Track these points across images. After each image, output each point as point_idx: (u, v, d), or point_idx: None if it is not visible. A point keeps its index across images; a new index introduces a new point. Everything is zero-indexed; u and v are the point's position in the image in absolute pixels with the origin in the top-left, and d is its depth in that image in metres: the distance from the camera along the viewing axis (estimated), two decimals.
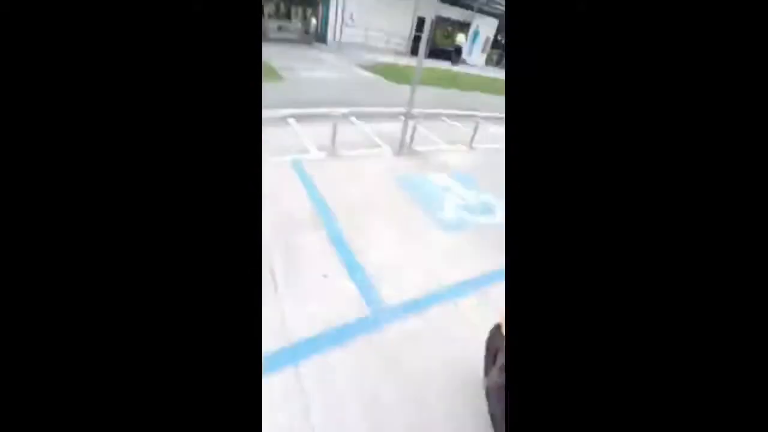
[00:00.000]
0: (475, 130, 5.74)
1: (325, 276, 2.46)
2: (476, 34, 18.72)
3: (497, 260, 2.88)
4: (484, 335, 1.78)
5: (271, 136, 4.69)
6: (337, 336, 2.01)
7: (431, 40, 16.00)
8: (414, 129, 4.98)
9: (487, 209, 3.89)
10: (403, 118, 4.98)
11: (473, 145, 5.83)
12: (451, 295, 2.48)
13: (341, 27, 15.76)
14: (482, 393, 1.75)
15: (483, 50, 20.18)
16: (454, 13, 17.81)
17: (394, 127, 5.70)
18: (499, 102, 9.82)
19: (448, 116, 7.48)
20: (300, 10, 21.83)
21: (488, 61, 20.85)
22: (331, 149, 4.57)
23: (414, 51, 16.75)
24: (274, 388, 1.68)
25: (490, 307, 2.39)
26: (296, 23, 21.58)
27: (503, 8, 18.23)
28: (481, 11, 18.64)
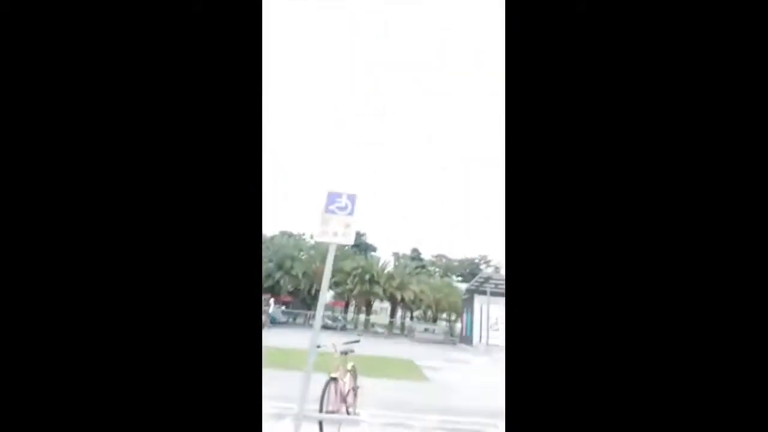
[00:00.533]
0: None
1: None
2: None
3: None
4: None
5: None
6: None
7: None
8: None
9: None
10: None
11: None
12: None
13: (487, 330, 16.52)
14: None
15: None
16: None
17: None
18: None
19: None
20: (446, 314, 24.34)
21: None
22: None
23: None
24: None
25: None
26: (441, 324, 23.37)
27: None
28: None
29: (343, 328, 22.09)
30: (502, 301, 15.46)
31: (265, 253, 20.03)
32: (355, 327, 24.39)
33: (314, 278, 21.09)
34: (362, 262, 23.09)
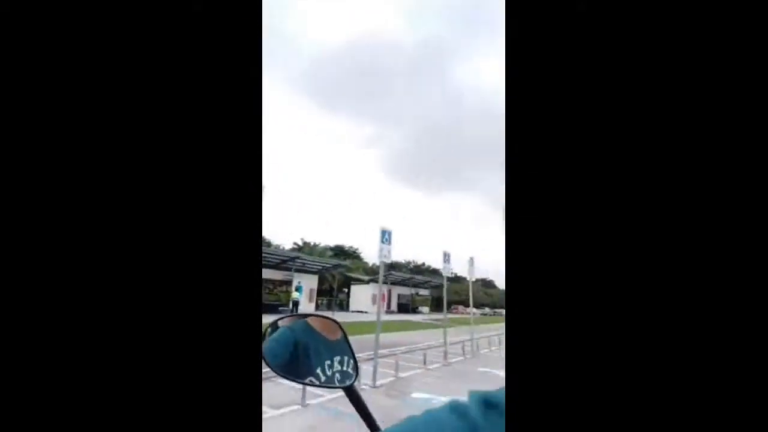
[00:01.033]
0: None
1: None
2: (299, 288, 23.38)
3: None
4: None
5: None
6: None
7: None
8: None
9: None
10: None
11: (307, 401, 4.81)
12: None
13: None
14: None
15: (310, 299, 26.06)
16: (276, 275, 22.80)
17: None
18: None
19: (266, 374, 6.67)
20: None
21: (317, 307, 27.17)
22: None
23: None
24: None
25: None
26: None
27: (320, 266, 26.47)
28: (300, 270, 24.29)
29: None
30: None
31: None
32: None
33: None
34: None
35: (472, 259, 12.49)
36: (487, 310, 53.17)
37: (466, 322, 14.56)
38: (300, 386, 4.77)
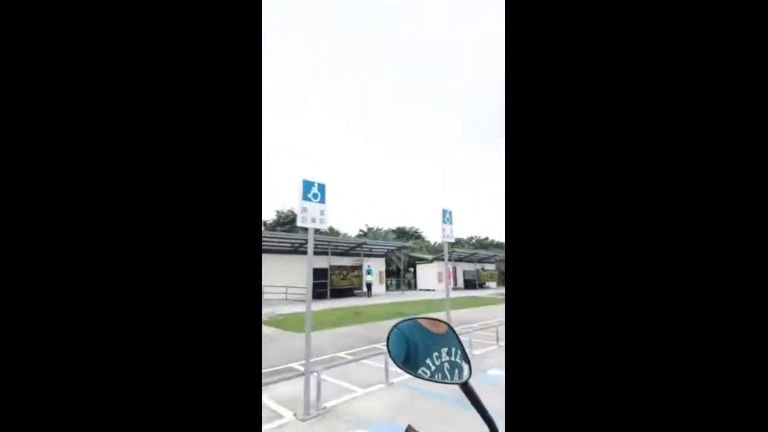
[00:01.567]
0: (387, 364, 5.06)
1: None
2: (369, 272, 23.68)
3: None
4: None
5: None
6: None
7: (330, 283, 20.99)
8: (318, 382, 4.24)
9: None
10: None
11: (391, 380, 5.02)
12: None
13: None
14: None
15: (380, 281, 26.41)
16: (347, 262, 23.80)
17: (294, 387, 4.90)
18: None
19: (354, 356, 6.75)
20: None
21: (387, 288, 27.92)
22: None
23: (318, 296, 19.67)
24: None
25: None
26: None
27: (385, 249, 27.10)
28: (368, 255, 25.37)
29: None
30: None
31: None
32: None
33: None
34: None
35: None
36: None
37: None
38: (383, 367, 5.13)
